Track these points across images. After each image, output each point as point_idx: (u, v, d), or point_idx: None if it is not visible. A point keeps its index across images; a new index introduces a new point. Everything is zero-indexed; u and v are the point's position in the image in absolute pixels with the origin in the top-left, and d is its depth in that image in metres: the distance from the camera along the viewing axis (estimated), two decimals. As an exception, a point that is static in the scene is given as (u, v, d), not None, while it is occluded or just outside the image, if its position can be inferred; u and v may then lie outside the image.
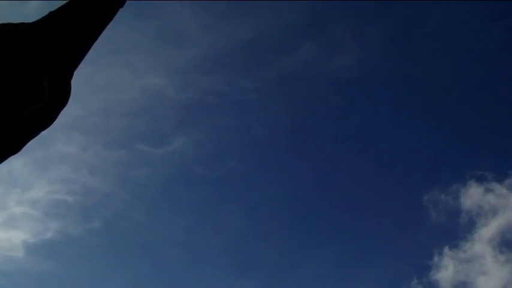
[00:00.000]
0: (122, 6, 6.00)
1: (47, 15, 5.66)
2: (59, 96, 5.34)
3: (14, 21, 5.76)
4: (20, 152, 5.48)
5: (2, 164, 5.36)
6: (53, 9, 5.80)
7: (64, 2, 5.89)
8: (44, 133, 5.65)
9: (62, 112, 5.73)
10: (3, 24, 5.29)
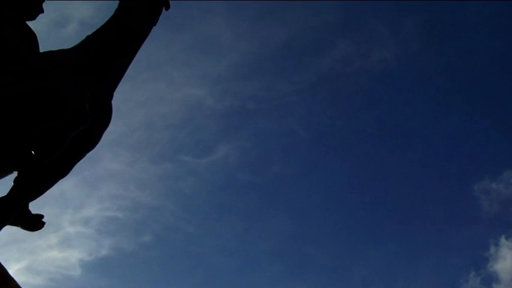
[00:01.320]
0: (155, 24, 6.15)
1: (84, 40, 5.84)
2: (101, 117, 5.51)
3: (55, 45, 5.97)
4: (69, 173, 5.68)
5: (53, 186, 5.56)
6: (89, 33, 6.02)
7: (100, 24, 6.09)
8: (90, 152, 5.83)
9: (106, 131, 5.91)
10: (45, 53, 5.50)
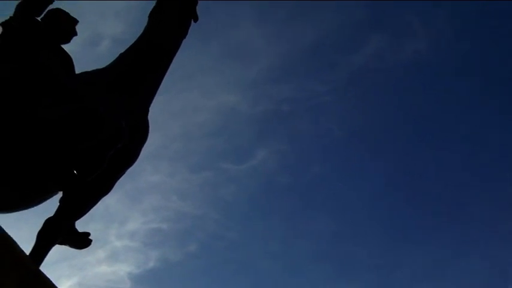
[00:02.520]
0: (185, 37, 6.22)
1: (117, 58, 5.96)
2: (139, 133, 5.60)
3: (89, 63, 6.09)
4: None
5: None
6: (122, 51, 6.13)
7: (132, 40, 6.20)
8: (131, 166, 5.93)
9: (144, 145, 5.99)
10: (81, 74, 5.63)
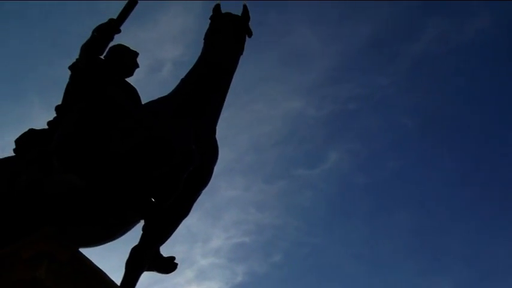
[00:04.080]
0: (242, 53, 6.28)
1: (179, 83, 6.09)
2: (209, 154, 5.68)
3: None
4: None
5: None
6: (183, 73, 6.28)
7: (192, 61, 6.33)
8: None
9: (216, 164, 6.08)
10: (147, 104, 5.82)
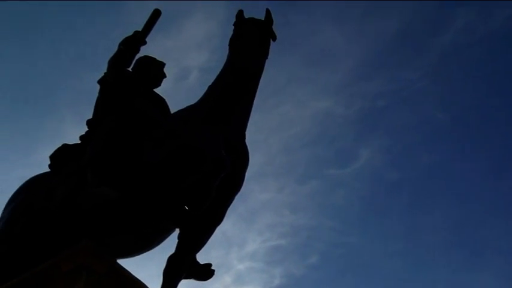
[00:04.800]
0: (267, 57, 6.27)
1: (207, 90, 6.12)
2: (239, 159, 5.69)
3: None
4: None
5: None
6: (210, 79, 6.31)
7: (218, 67, 6.36)
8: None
9: (247, 169, 6.09)
10: (176, 113, 5.87)
